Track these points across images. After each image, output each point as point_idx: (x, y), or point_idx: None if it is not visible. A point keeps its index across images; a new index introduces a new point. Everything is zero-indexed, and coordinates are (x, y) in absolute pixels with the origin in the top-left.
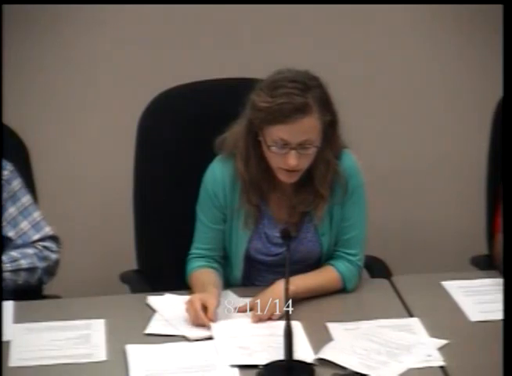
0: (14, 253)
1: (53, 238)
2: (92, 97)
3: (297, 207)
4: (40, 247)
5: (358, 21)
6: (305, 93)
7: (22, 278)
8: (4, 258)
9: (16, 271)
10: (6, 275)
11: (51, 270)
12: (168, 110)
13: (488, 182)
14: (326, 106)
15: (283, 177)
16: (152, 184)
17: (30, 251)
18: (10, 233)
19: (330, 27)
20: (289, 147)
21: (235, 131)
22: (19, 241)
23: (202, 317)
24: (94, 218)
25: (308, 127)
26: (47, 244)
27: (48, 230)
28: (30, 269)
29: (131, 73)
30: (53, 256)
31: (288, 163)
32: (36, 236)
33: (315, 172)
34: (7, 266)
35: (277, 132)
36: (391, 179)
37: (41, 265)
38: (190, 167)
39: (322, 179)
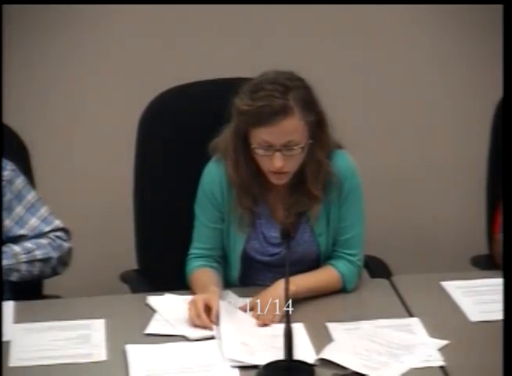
0: (29, 244)
1: (64, 230)
2: (92, 97)
3: (291, 208)
4: (53, 237)
5: (358, 22)
6: (286, 95)
7: (37, 269)
8: (18, 248)
9: (31, 262)
10: (22, 266)
11: (64, 260)
12: (168, 110)
13: (489, 183)
14: (309, 106)
15: (273, 179)
16: (152, 184)
17: (43, 241)
18: (21, 231)
19: (330, 27)
20: (273, 149)
21: (225, 135)
22: (32, 234)
23: (204, 318)
24: (94, 218)
25: (290, 128)
26: (59, 233)
27: (58, 223)
28: (45, 260)
29: (131, 73)
30: (66, 245)
31: (274, 165)
32: (47, 228)
33: (306, 173)
34: (22, 257)
35: (260, 135)
36: (390, 179)
37: (55, 254)
38: (190, 167)
39: (314, 180)
